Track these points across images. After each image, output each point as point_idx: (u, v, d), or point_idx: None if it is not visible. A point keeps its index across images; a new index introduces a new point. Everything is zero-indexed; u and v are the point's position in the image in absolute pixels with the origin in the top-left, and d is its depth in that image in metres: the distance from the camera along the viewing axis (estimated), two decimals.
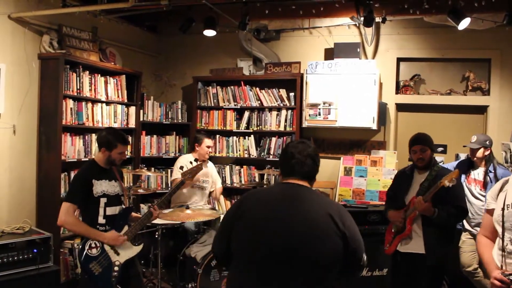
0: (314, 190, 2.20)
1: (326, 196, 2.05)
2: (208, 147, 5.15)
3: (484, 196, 4.31)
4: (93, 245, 3.32)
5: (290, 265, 1.97)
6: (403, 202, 3.72)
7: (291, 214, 2.03)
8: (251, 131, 5.96)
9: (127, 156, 4.69)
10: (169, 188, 5.99)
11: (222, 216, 4.91)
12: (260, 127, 5.92)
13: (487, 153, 4.33)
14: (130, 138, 5.49)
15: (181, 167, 4.09)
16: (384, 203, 4.31)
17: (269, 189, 2.18)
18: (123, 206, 3.53)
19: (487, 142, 4.32)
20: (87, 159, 4.89)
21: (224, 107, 6.06)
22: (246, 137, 6.00)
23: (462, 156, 5.06)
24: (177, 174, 4.93)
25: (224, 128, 6.08)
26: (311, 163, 2.18)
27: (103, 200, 3.37)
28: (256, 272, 2.01)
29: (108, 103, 5.31)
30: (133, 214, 3.67)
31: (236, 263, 2.13)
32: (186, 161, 4.94)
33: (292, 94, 5.75)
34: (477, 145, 4.29)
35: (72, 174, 4.78)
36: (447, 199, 3.48)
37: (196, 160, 4.16)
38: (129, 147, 5.47)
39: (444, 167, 3.90)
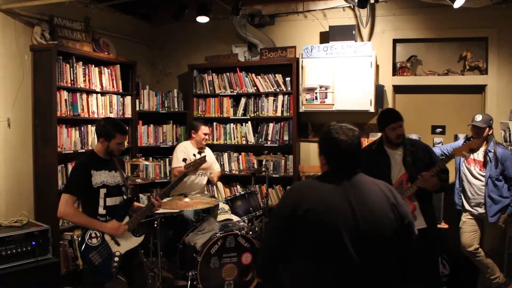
0: (371, 179, 2.17)
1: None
2: (205, 134, 5.12)
3: (484, 176, 4.30)
4: (93, 235, 3.29)
5: (362, 257, 1.99)
6: (388, 182, 3.62)
7: (358, 207, 2.02)
8: (248, 117, 5.93)
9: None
10: (168, 177, 5.99)
11: (221, 204, 4.93)
12: (257, 113, 5.88)
13: (490, 132, 4.30)
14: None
15: (184, 159, 4.06)
16: None
17: (326, 181, 2.09)
18: (124, 197, 3.51)
19: (491, 122, 4.29)
20: (83, 151, 4.87)
21: (220, 94, 6.01)
22: (243, 123, 5.96)
23: (461, 137, 5.03)
24: (177, 163, 4.88)
25: (221, 115, 6.04)
26: (359, 151, 2.15)
27: (102, 191, 3.34)
28: (333, 264, 2.02)
29: (103, 93, 5.27)
30: (136, 204, 3.65)
31: (306, 257, 2.07)
32: (189, 152, 4.87)
33: (288, 79, 5.69)
34: (484, 124, 4.25)
35: (69, 166, 4.76)
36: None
37: (199, 152, 4.13)
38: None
39: (412, 139, 4.03)
